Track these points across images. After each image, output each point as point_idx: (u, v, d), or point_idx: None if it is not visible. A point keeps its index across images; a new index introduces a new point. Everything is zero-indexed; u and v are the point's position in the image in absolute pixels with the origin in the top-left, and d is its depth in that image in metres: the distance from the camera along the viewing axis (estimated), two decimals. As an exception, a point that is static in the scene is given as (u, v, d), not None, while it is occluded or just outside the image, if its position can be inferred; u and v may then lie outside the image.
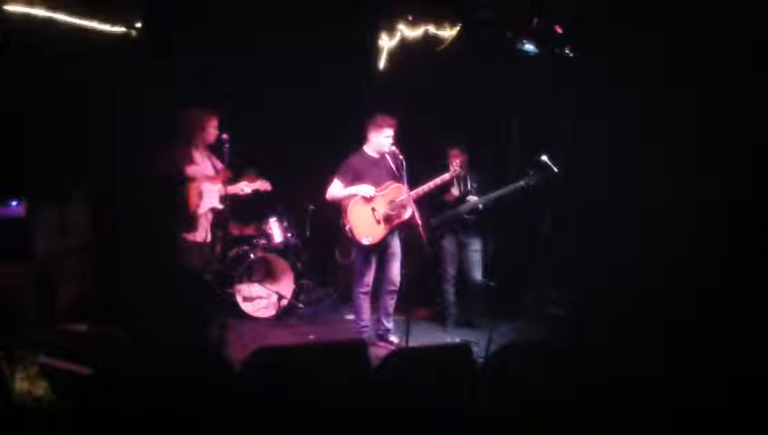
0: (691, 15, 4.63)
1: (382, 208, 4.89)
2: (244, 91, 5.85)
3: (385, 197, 4.90)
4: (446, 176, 5.05)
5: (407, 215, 4.87)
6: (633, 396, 2.71)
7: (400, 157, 4.83)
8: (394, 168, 4.93)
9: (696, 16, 4.61)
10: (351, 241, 4.97)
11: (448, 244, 5.76)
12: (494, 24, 5.74)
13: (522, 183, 5.33)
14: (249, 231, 6.28)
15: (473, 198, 5.57)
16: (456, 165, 5.12)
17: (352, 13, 5.76)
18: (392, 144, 4.90)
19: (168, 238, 4.63)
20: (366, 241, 4.86)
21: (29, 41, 4.88)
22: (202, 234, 4.66)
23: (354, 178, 4.89)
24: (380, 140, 4.91)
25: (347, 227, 4.89)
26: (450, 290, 5.81)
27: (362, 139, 5.03)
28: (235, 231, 6.17)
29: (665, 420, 2.73)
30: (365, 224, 4.87)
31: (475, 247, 5.69)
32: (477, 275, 5.70)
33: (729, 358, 3.63)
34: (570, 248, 5.65)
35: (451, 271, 5.79)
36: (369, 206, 4.89)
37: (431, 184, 4.97)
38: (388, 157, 4.94)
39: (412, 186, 4.86)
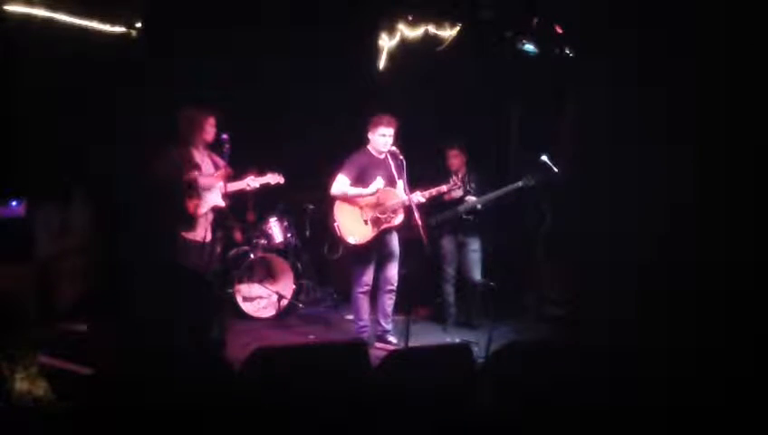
0: (691, 14, 4.63)
1: (371, 210, 4.88)
2: (244, 91, 5.85)
3: (374, 199, 4.89)
4: (444, 188, 5.00)
5: (397, 220, 4.85)
6: (633, 396, 2.71)
7: (400, 157, 4.81)
8: (394, 169, 4.91)
9: (696, 15, 4.61)
10: (339, 239, 4.99)
11: (447, 244, 5.76)
12: (494, 24, 5.74)
13: (520, 183, 5.33)
14: (250, 217, 6.23)
15: (471, 199, 5.56)
16: (456, 180, 5.08)
17: (352, 12, 5.76)
18: (392, 144, 4.87)
19: (168, 238, 4.63)
20: (351, 240, 4.86)
21: (29, 41, 4.88)
22: (201, 233, 4.64)
23: (358, 175, 4.87)
24: (376, 139, 4.88)
25: (335, 224, 4.91)
26: (450, 290, 5.81)
27: (365, 138, 5.01)
28: (238, 235, 6.14)
29: (665, 420, 2.73)
30: (351, 223, 4.87)
31: (474, 247, 5.69)
32: (476, 275, 5.69)
33: (729, 358, 3.62)
34: (570, 248, 5.65)
35: (450, 271, 5.79)
36: (356, 205, 4.88)
37: (427, 193, 4.91)
38: (389, 158, 4.92)
39: (412, 188, 4.82)
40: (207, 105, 4.74)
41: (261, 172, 4.92)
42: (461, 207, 5.58)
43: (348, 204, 4.89)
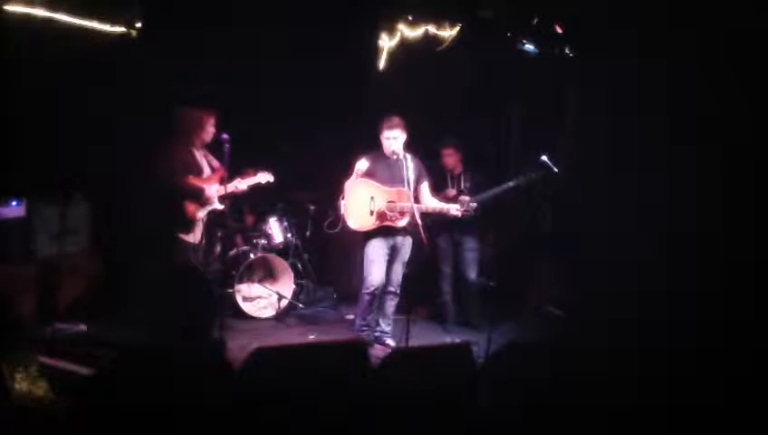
0: (692, 15, 4.63)
1: (380, 202, 4.84)
2: (244, 91, 5.85)
3: (387, 194, 4.86)
4: (451, 211, 4.94)
5: (401, 223, 4.84)
6: (633, 396, 2.71)
7: (402, 160, 4.81)
8: (411, 173, 4.84)
9: (696, 15, 4.61)
10: (340, 217, 4.93)
11: (443, 243, 5.75)
12: (494, 24, 5.74)
13: (512, 183, 5.32)
14: (250, 220, 6.25)
15: (465, 198, 5.53)
16: (468, 207, 4.98)
17: (352, 12, 5.76)
18: (401, 147, 4.86)
19: (168, 238, 4.63)
20: (350, 223, 4.83)
21: (29, 41, 4.88)
22: (197, 235, 4.65)
23: (364, 173, 4.87)
24: (383, 141, 4.90)
25: (342, 202, 4.87)
26: (447, 289, 5.81)
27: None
28: (239, 239, 6.14)
29: (665, 420, 2.73)
30: (357, 206, 4.83)
31: (470, 246, 5.68)
32: (472, 274, 5.69)
33: (729, 358, 3.63)
34: (570, 248, 5.65)
35: (447, 270, 5.79)
36: (368, 191, 4.85)
37: (435, 208, 4.92)
38: (405, 160, 4.87)
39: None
40: (207, 105, 4.74)
41: (257, 172, 4.93)
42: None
43: (360, 185, 4.84)
